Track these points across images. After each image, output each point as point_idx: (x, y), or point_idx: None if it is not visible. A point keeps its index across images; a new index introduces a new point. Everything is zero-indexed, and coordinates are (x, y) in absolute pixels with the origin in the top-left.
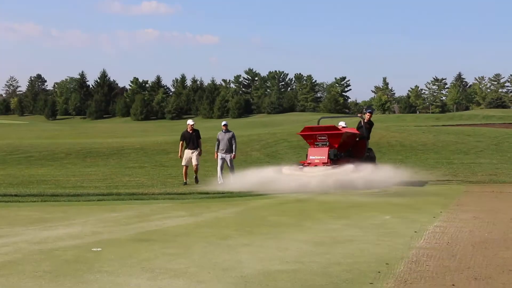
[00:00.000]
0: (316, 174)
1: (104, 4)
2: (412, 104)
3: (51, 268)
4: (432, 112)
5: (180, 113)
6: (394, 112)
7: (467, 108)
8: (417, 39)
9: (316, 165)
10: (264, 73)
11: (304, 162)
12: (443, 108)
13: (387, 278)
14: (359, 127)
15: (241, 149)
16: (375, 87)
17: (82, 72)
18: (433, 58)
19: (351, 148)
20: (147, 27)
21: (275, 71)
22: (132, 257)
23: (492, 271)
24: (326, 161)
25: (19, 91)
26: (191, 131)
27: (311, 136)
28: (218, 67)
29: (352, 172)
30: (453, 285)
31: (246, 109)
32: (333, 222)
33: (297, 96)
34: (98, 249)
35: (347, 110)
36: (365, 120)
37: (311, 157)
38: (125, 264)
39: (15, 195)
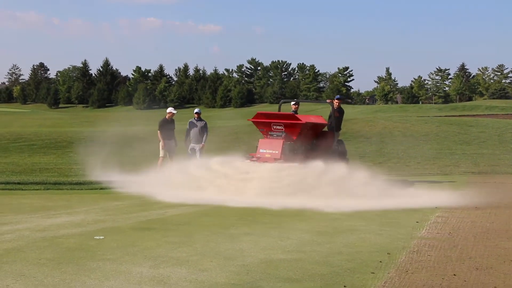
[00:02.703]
0: (259, 175)
1: None
2: (415, 94)
3: (54, 255)
4: (435, 103)
5: (183, 102)
6: (396, 102)
7: (470, 99)
8: (420, 29)
9: (266, 161)
10: (266, 62)
11: (253, 155)
12: (446, 99)
13: (388, 268)
14: (330, 116)
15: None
16: (378, 77)
17: (85, 60)
18: (436, 49)
19: (315, 141)
20: (149, 15)
21: (278, 60)
22: (135, 246)
23: (493, 261)
24: (279, 156)
25: (21, 79)
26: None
27: (264, 124)
28: (220, 56)
29: (311, 171)
30: (454, 275)
31: (248, 99)
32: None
33: (300, 86)
34: (101, 237)
35: (349, 100)
36: (335, 108)
37: (261, 150)
38: (128, 252)
39: (18, 183)
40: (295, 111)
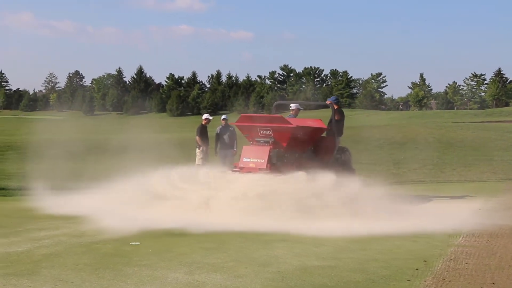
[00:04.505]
0: (235, 188)
1: (137, 0)
2: (449, 100)
3: (91, 261)
4: (471, 109)
5: (216, 109)
6: (431, 108)
7: (507, 104)
8: (455, 34)
9: (250, 171)
10: (299, 69)
11: (236, 165)
12: (482, 104)
13: (425, 276)
14: (330, 120)
15: None
16: (411, 83)
17: (119, 68)
18: (471, 54)
19: (312, 148)
20: (181, 23)
21: (311, 67)
22: (170, 251)
23: None
24: (265, 166)
25: (58, 87)
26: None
27: (250, 129)
28: (253, 63)
29: (304, 184)
30: (493, 283)
31: (281, 105)
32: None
33: (333, 92)
34: (136, 243)
35: (383, 106)
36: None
37: (244, 159)
38: (163, 258)
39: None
40: (295, 115)
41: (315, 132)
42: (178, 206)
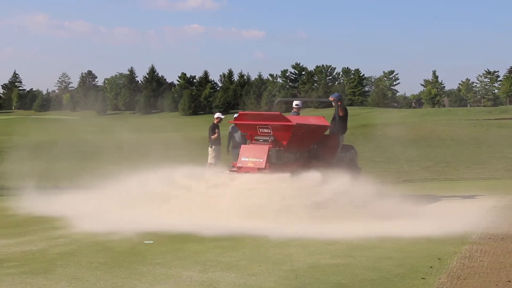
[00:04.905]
0: (232, 190)
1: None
2: (462, 97)
3: (106, 259)
4: (484, 106)
5: (228, 108)
6: (444, 106)
7: None
8: (467, 31)
9: (248, 171)
10: (311, 67)
11: (235, 165)
12: (495, 101)
13: (439, 273)
14: (333, 118)
15: None
16: (424, 80)
17: (131, 68)
18: (484, 51)
19: (315, 146)
20: (192, 22)
21: (322, 65)
22: (184, 250)
23: None
24: (263, 165)
25: (71, 87)
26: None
27: (249, 127)
28: (264, 61)
29: (302, 184)
30: (508, 281)
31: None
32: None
33: (345, 90)
34: (150, 241)
35: (395, 104)
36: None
37: (242, 159)
38: (177, 256)
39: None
40: (297, 113)
41: (317, 130)
42: (176, 207)
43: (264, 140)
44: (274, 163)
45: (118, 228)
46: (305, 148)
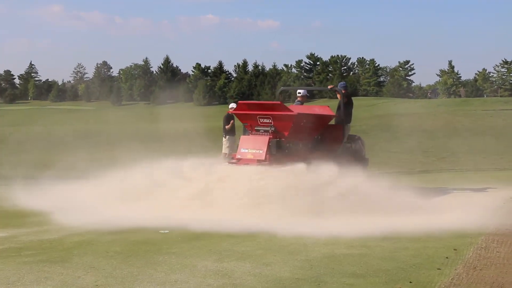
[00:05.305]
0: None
1: None
2: (479, 87)
3: (122, 248)
4: (501, 96)
5: (242, 98)
6: (460, 96)
7: None
8: (484, 20)
9: (247, 163)
10: (326, 57)
11: (234, 156)
12: None
13: (455, 264)
14: (338, 107)
15: None
16: (440, 70)
17: (146, 58)
18: (501, 40)
19: (318, 137)
20: (207, 13)
21: (337, 55)
22: (199, 239)
23: None
24: (263, 157)
25: (86, 77)
26: None
27: (248, 117)
28: (279, 52)
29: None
30: None
31: (308, 94)
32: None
33: (360, 81)
34: (166, 231)
35: (410, 95)
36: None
37: (242, 150)
38: (192, 246)
39: None
40: (300, 102)
41: (321, 120)
42: (173, 199)
43: (265, 131)
44: (274, 155)
45: (131, 218)
46: (308, 139)
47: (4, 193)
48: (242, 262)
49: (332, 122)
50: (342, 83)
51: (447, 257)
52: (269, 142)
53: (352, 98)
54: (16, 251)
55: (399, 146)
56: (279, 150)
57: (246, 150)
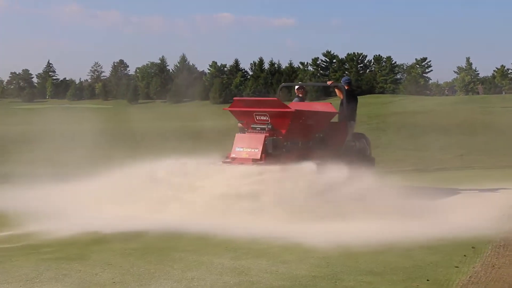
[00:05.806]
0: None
1: None
2: (497, 84)
3: (139, 245)
4: None
5: (258, 96)
6: (478, 93)
7: None
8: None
9: (242, 162)
10: (342, 55)
11: (229, 155)
12: None
13: (473, 262)
14: (341, 103)
15: None
16: (457, 67)
17: (162, 56)
18: None
19: (320, 135)
20: (222, 11)
21: (354, 53)
22: (215, 237)
23: None
24: (259, 156)
25: (103, 76)
26: None
27: (244, 114)
28: (295, 49)
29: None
30: None
31: (324, 92)
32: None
33: (376, 78)
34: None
35: (428, 92)
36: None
37: (237, 149)
38: (209, 243)
39: None
40: (302, 99)
41: (322, 117)
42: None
43: (261, 129)
44: (270, 154)
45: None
46: (308, 137)
47: (26, 192)
48: (258, 259)
49: (336, 119)
50: (346, 77)
51: (465, 255)
52: (265, 141)
53: (371, 95)
54: (34, 248)
55: (416, 144)
56: (276, 149)
57: (241, 149)
